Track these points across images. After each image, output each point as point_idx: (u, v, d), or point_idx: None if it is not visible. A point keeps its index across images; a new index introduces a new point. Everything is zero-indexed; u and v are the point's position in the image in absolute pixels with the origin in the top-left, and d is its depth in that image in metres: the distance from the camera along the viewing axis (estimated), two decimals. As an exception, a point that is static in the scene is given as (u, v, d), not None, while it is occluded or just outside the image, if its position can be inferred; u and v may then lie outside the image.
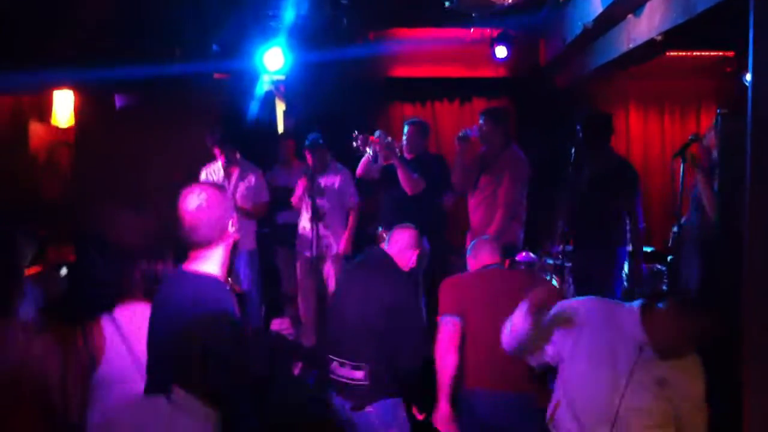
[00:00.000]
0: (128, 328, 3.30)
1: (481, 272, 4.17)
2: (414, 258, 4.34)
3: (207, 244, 2.76)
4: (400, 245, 4.30)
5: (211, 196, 2.76)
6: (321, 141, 6.76)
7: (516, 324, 3.21)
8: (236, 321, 2.71)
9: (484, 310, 3.88)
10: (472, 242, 4.39)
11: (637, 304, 3.13)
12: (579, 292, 5.96)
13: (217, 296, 2.70)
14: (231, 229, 2.81)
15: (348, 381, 4.02)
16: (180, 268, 2.81)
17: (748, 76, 7.05)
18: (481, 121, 6.09)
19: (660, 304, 3.05)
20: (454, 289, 4.07)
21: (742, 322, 2.40)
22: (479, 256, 4.24)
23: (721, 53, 7.97)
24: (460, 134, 6.15)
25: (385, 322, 3.97)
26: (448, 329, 3.90)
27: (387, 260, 4.25)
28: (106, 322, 3.37)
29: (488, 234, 5.85)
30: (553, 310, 3.24)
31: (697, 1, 3.94)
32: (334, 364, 4.06)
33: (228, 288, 2.82)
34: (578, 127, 5.53)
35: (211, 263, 2.77)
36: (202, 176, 6.87)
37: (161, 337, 2.76)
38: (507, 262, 4.92)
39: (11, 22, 5.88)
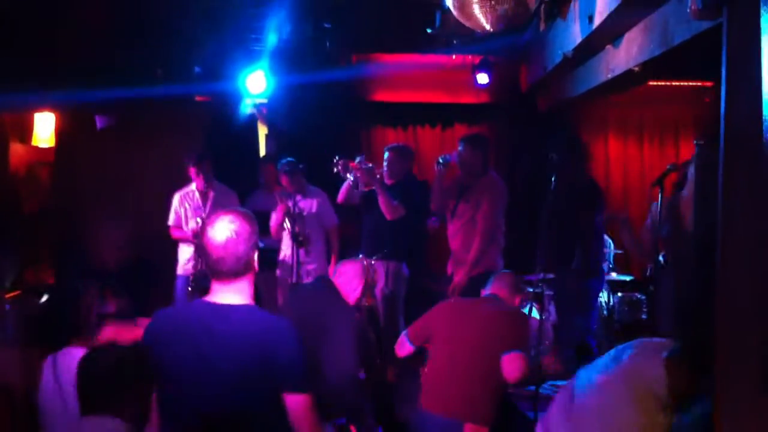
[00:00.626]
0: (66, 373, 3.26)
1: (469, 302, 4.37)
2: (359, 289, 4.43)
3: (235, 275, 2.70)
4: (347, 276, 4.42)
5: (242, 227, 2.70)
6: (297, 165, 6.75)
7: None
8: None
9: (445, 340, 4.03)
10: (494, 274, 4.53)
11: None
12: (559, 319, 5.98)
13: (278, 321, 2.72)
14: (255, 259, 2.76)
15: None
16: (211, 303, 2.71)
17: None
18: (460, 148, 6.11)
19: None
20: (431, 316, 4.21)
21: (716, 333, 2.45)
22: (490, 285, 4.37)
23: (699, 83, 8.08)
24: (440, 159, 6.16)
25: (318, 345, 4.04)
26: (399, 347, 4.23)
27: (332, 288, 4.39)
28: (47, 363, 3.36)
29: (468, 260, 5.88)
30: None
31: (674, 33, 3.98)
32: None
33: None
34: (552, 156, 5.58)
35: (240, 295, 2.71)
36: (176, 200, 6.83)
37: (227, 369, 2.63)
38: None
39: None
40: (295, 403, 2.63)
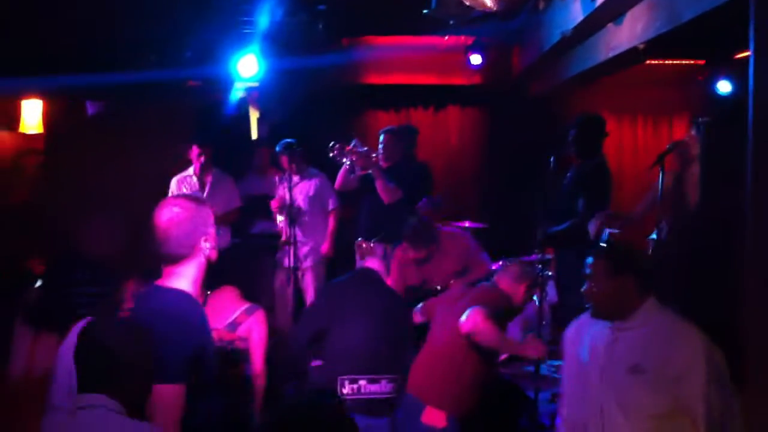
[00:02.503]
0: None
1: (466, 291, 4.37)
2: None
3: (177, 259, 2.67)
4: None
5: (185, 210, 2.66)
6: (296, 145, 6.73)
7: None
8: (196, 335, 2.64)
9: (434, 322, 4.23)
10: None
11: None
12: (562, 300, 5.97)
13: (180, 309, 2.63)
14: (204, 245, 2.70)
15: (378, 396, 4.14)
16: (152, 285, 2.74)
17: (720, 84, 7.13)
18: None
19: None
20: (438, 297, 4.49)
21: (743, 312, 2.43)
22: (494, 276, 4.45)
23: (692, 61, 8.06)
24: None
25: (395, 331, 4.26)
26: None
27: (376, 275, 4.52)
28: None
29: None
30: None
31: (683, 10, 3.94)
32: (362, 381, 4.09)
33: (196, 302, 2.73)
34: (572, 131, 5.56)
35: (182, 280, 2.69)
36: (173, 185, 6.78)
37: None
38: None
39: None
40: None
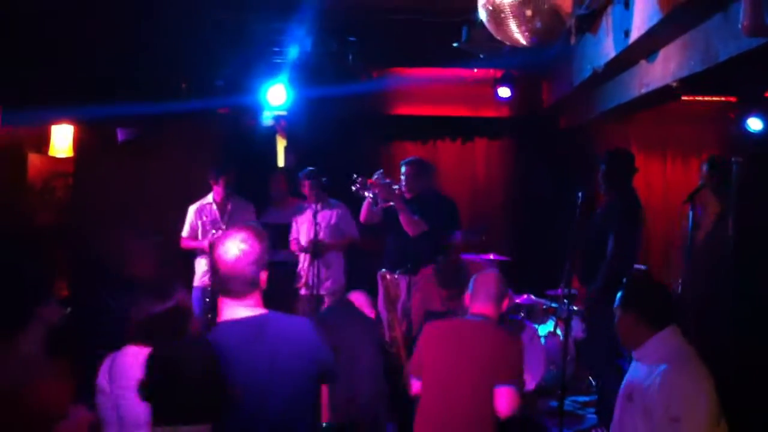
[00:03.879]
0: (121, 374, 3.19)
1: (457, 325, 4.03)
2: None
3: (242, 294, 2.70)
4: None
5: (252, 247, 2.70)
6: (318, 173, 6.75)
7: None
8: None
9: (436, 364, 3.84)
10: (474, 277, 4.13)
11: None
12: (588, 338, 5.88)
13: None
14: (263, 278, 2.75)
15: None
16: (222, 321, 2.75)
17: (751, 122, 7.07)
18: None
19: None
20: (422, 343, 3.97)
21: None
22: (475, 299, 4.01)
23: (723, 98, 7.99)
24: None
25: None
26: (414, 391, 3.97)
27: (355, 308, 4.47)
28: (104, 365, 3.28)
29: None
30: None
31: (718, 49, 3.90)
32: None
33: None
34: (602, 165, 5.52)
35: (251, 311, 2.73)
36: (191, 212, 6.80)
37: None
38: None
39: (13, 58, 5.84)
40: None
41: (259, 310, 2.74)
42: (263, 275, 2.75)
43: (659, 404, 2.92)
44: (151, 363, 2.49)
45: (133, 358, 3.06)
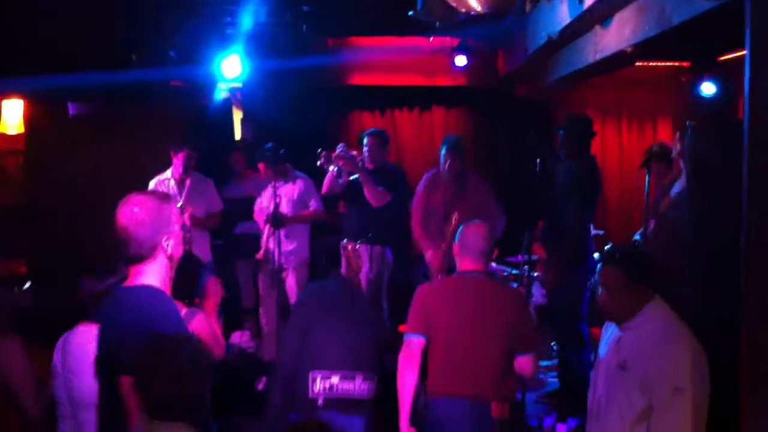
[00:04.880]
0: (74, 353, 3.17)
1: (456, 281, 3.98)
2: None
3: (139, 260, 2.59)
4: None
5: (146, 210, 2.56)
6: (276, 150, 6.66)
7: None
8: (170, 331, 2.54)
9: (451, 321, 3.78)
10: (461, 227, 4.00)
11: None
12: (550, 304, 5.96)
13: (152, 305, 2.56)
14: (166, 244, 2.61)
15: (354, 395, 4.02)
16: (118, 286, 2.67)
17: (705, 86, 7.14)
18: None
19: None
20: (423, 302, 3.90)
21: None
22: (466, 254, 3.91)
23: (677, 63, 8.09)
24: None
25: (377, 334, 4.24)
26: (410, 348, 3.81)
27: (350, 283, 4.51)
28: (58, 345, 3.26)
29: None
30: None
31: (672, 13, 3.93)
32: (335, 378, 4.00)
33: (167, 297, 2.64)
34: (561, 132, 5.55)
35: (148, 279, 2.60)
36: (151, 186, 6.68)
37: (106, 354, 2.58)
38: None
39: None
40: None
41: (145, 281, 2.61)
42: (164, 241, 2.61)
43: (664, 375, 2.87)
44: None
45: (83, 337, 3.02)
